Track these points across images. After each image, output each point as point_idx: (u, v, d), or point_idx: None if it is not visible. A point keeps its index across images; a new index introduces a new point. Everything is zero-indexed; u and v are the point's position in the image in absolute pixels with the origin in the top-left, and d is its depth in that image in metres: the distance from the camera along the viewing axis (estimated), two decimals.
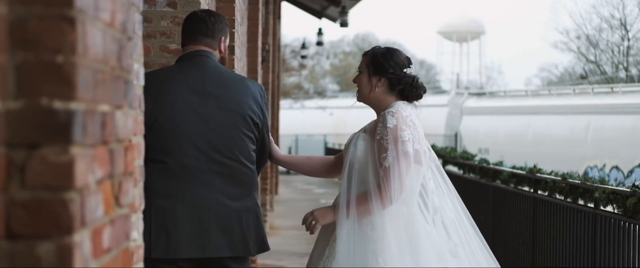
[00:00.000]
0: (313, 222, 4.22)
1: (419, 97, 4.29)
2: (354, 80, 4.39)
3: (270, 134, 4.51)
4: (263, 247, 4.30)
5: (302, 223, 4.28)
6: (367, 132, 4.24)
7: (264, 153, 4.42)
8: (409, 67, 4.31)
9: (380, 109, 4.26)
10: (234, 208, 4.19)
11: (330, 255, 4.15)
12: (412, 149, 4.06)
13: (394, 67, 4.27)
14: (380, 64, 4.27)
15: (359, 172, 4.18)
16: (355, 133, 4.31)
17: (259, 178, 4.51)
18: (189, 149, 4.10)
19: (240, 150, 4.20)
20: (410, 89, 4.25)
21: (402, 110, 4.16)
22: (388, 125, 4.08)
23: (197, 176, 4.11)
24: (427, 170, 4.22)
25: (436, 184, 4.26)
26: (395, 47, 4.55)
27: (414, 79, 4.27)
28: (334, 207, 4.23)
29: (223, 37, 4.35)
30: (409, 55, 4.48)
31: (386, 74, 4.26)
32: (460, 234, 4.22)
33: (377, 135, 4.12)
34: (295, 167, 4.71)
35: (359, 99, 4.38)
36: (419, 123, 4.18)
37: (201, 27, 4.32)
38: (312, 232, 4.28)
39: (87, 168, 1.78)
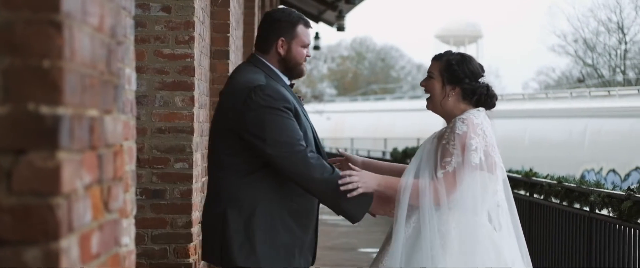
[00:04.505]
0: (355, 185, 3.97)
1: (492, 106, 4.18)
2: (423, 84, 4.23)
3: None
4: (222, 260, 4.09)
5: (341, 176, 3.99)
6: (436, 137, 4.16)
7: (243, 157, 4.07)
8: (482, 76, 4.19)
9: (450, 116, 4.14)
10: (206, 214, 4.20)
11: (384, 255, 4.09)
12: (477, 159, 3.95)
13: (470, 77, 4.14)
14: (456, 72, 4.13)
15: (417, 171, 4.07)
16: (428, 138, 4.23)
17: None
18: None
19: (211, 156, 4.21)
20: (486, 99, 4.14)
21: (474, 117, 4.05)
22: (457, 132, 3.98)
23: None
24: (499, 183, 4.09)
25: (503, 200, 4.13)
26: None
27: (488, 89, 4.16)
28: (382, 178, 4.06)
29: (283, 38, 4.14)
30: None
31: (461, 84, 4.12)
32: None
33: (444, 140, 4.03)
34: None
35: (430, 108, 4.23)
36: (491, 132, 4.05)
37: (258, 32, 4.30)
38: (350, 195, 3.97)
39: (75, 173, 1.78)
